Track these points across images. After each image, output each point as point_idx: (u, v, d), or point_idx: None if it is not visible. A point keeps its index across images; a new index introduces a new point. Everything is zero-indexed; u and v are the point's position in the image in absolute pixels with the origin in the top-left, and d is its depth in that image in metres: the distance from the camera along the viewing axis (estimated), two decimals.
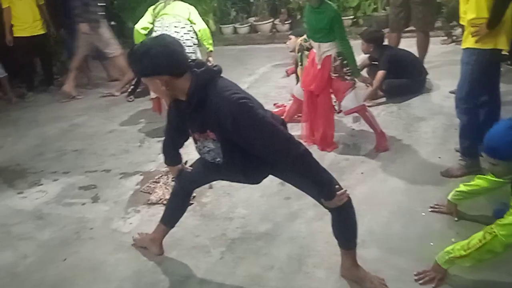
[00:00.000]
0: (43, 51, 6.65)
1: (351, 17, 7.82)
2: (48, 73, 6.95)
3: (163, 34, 2.18)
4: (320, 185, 2.07)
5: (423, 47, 5.28)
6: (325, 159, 3.66)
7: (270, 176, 2.35)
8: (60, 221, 3.30)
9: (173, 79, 1.99)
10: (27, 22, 6.21)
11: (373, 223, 2.80)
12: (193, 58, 3.23)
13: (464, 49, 3.02)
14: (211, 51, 4.57)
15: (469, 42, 2.94)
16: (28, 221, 3.34)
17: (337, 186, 2.10)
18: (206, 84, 2.01)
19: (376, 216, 2.88)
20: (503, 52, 2.96)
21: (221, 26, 8.55)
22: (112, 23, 8.77)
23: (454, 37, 6.49)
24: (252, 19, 8.50)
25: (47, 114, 5.78)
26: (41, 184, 3.91)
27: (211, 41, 4.52)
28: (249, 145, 2.03)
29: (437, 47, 6.11)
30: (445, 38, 6.59)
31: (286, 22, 8.12)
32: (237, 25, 8.52)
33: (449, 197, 2.77)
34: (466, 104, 3.09)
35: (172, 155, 2.54)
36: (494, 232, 2.04)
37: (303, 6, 7.08)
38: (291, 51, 4.90)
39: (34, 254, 2.96)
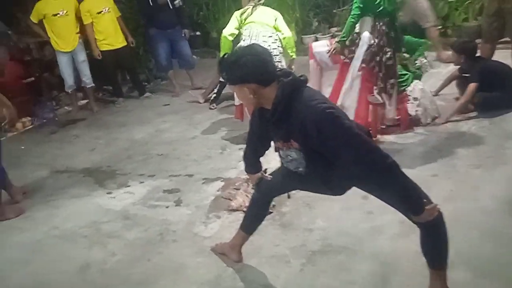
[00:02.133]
0: (126, 63, 6.89)
1: (439, 27, 7.49)
2: (136, 82, 7.20)
3: (254, 43, 2.23)
4: (407, 198, 2.00)
5: None
6: (412, 175, 3.50)
7: (353, 189, 2.29)
8: (145, 222, 3.44)
9: (260, 88, 2.03)
10: (110, 36, 6.43)
11: (463, 244, 2.64)
12: (280, 66, 3.25)
13: None
14: (293, 58, 4.60)
15: None
16: (116, 220, 3.52)
17: (425, 200, 2.01)
18: (292, 93, 2.03)
19: (466, 237, 2.71)
20: None
21: (302, 36, 8.55)
22: (197, 33, 9.12)
23: None
24: (334, 29, 8.41)
25: (135, 119, 6.07)
26: (129, 186, 4.11)
27: (294, 49, 4.55)
28: (334, 155, 2.01)
29: None
30: None
31: None
32: (318, 35, 8.48)
33: None
34: None
35: (252, 163, 2.56)
36: None
37: None
38: None
39: (121, 252, 3.10)
